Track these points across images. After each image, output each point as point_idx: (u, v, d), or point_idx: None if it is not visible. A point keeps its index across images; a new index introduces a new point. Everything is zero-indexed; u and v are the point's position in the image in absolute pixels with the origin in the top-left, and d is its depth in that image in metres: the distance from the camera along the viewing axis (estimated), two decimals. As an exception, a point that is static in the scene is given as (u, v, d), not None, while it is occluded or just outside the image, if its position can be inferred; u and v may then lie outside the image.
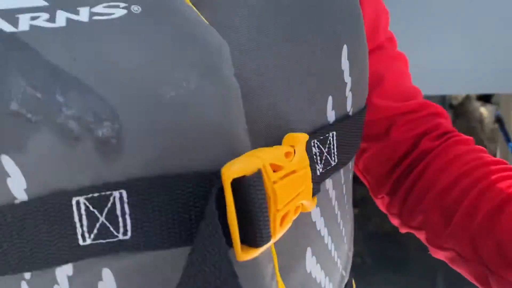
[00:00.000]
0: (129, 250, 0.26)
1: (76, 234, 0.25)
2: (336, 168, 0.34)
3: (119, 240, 0.26)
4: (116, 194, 0.25)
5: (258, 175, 0.25)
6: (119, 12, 0.26)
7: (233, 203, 0.24)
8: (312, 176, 0.30)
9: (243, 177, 0.25)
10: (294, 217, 0.28)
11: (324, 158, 0.32)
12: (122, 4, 0.26)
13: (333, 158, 0.33)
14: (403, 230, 0.47)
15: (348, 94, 0.34)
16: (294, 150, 0.28)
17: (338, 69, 0.33)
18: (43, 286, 0.26)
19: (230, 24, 0.28)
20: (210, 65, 0.26)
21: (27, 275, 0.26)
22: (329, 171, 0.33)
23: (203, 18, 0.28)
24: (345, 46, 0.33)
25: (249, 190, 0.25)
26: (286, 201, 0.27)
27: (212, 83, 0.26)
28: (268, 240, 0.25)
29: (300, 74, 0.30)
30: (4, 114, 0.23)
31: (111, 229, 0.26)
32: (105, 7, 0.26)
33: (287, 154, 0.28)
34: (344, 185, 0.37)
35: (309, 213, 0.32)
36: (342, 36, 0.33)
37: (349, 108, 0.35)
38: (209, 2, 0.29)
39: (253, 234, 0.25)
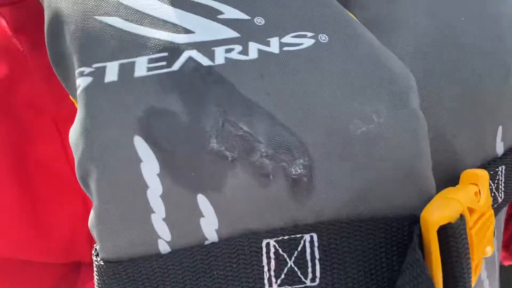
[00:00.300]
0: None
1: (263, 278, 0.25)
2: (502, 205, 0.31)
3: (306, 286, 0.25)
4: (307, 237, 0.24)
5: (462, 221, 0.23)
6: (307, 42, 0.25)
7: (439, 255, 0.23)
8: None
9: (447, 224, 0.23)
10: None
11: (492, 195, 0.30)
12: (310, 34, 0.25)
13: (500, 195, 0.31)
14: (508, 263, 0.45)
15: None
16: (479, 189, 0.26)
17: (509, 96, 0.30)
18: None
19: (393, 50, 0.27)
20: (399, 96, 0.25)
21: None
22: (495, 210, 0.30)
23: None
24: None
25: (454, 239, 0.23)
26: (479, 248, 0.25)
27: (402, 116, 0.25)
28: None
29: (468, 103, 0.28)
30: (204, 152, 0.23)
31: (299, 274, 0.25)
32: (293, 37, 0.25)
33: (475, 195, 0.26)
34: (502, 223, 0.35)
35: None
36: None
37: None
38: (374, 24, 0.27)
39: (454, 287, 0.24)
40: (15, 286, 0.35)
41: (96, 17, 0.25)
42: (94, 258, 0.25)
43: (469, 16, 0.29)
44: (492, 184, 0.30)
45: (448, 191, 0.25)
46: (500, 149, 0.30)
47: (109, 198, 0.24)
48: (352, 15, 0.27)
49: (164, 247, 0.24)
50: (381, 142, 0.24)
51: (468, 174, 0.27)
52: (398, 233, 0.25)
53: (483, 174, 0.27)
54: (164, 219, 0.24)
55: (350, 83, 0.24)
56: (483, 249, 0.26)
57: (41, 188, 0.31)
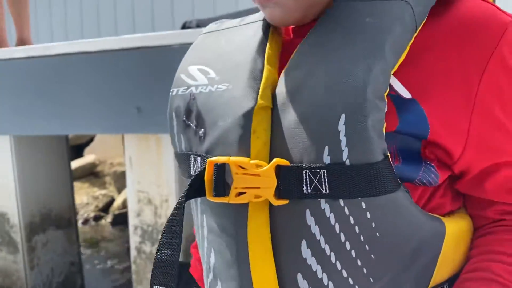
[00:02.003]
0: None
1: (190, 169, 0.61)
2: (329, 196, 0.51)
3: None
4: (198, 158, 0.59)
5: (222, 165, 0.53)
6: (223, 88, 0.58)
7: (210, 174, 0.54)
8: (297, 191, 0.51)
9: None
10: (254, 200, 0.52)
11: (313, 184, 0.51)
12: (227, 84, 0.58)
13: (323, 188, 0.50)
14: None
15: (344, 148, 0.50)
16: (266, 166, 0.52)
17: (335, 130, 0.49)
18: None
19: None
20: (243, 115, 0.54)
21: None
22: (318, 195, 0.51)
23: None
24: (343, 115, 0.49)
25: (215, 169, 0.53)
26: (243, 186, 0.52)
27: (235, 124, 0.55)
28: (218, 196, 0.54)
29: (304, 132, 0.51)
30: (180, 121, 0.62)
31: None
32: (222, 85, 0.58)
33: (257, 165, 0.52)
34: (356, 226, 0.52)
35: (305, 217, 0.52)
36: (339, 107, 0.50)
37: (344, 158, 0.50)
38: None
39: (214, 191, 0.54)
40: None
41: (180, 74, 0.65)
42: None
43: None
44: (313, 178, 0.51)
45: (234, 157, 0.53)
46: (327, 160, 0.50)
47: (168, 126, 0.65)
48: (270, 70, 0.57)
49: (180, 148, 0.63)
50: (228, 133, 0.55)
51: (274, 160, 0.51)
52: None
53: (277, 161, 0.51)
54: (183, 141, 0.62)
55: (231, 105, 0.56)
56: (254, 191, 0.52)
57: None
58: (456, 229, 0.58)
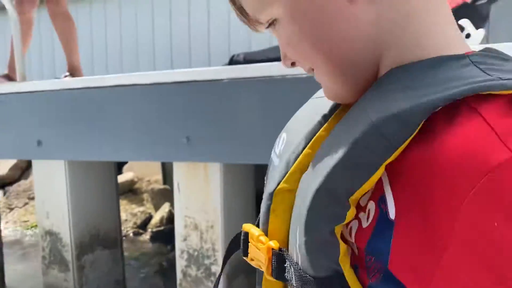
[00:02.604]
0: None
1: None
2: None
3: None
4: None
5: (246, 233, 0.62)
6: (277, 163, 0.62)
7: (241, 238, 0.63)
8: (281, 273, 0.55)
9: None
10: (262, 269, 0.59)
11: (291, 273, 0.54)
12: (278, 161, 0.61)
13: (294, 279, 0.53)
14: None
15: (298, 253, 0.52)
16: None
17: (300, 234, 0.51)
18: None
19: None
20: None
21: None
22: (293, 285, 0.54)
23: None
24: (304, 222, 0.51)
25: (243, 234, 0.63)
26: (252, 255, 0.61)
27: (265, 201, 0.61)
28: (245, 256, 0.62)
29: (294, 222, 0.55)
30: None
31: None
32: (277, 159, 0.62)
33: (261, 241, 0.58)
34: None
35: None
36: (305, 214, 0.51)
37: (299, 262, 0.52)
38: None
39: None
40: None
41: (279, 134, 0.66)
42: None
43: None
44: (290, 266, 0.54)
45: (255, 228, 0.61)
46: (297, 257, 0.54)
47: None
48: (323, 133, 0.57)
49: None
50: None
51: (272, 242, 0.58)
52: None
53: (272, 244, 0.57)
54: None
55: (268, 183, 0.61)
56: (256, 262, 0.60)
57: None
58: None
